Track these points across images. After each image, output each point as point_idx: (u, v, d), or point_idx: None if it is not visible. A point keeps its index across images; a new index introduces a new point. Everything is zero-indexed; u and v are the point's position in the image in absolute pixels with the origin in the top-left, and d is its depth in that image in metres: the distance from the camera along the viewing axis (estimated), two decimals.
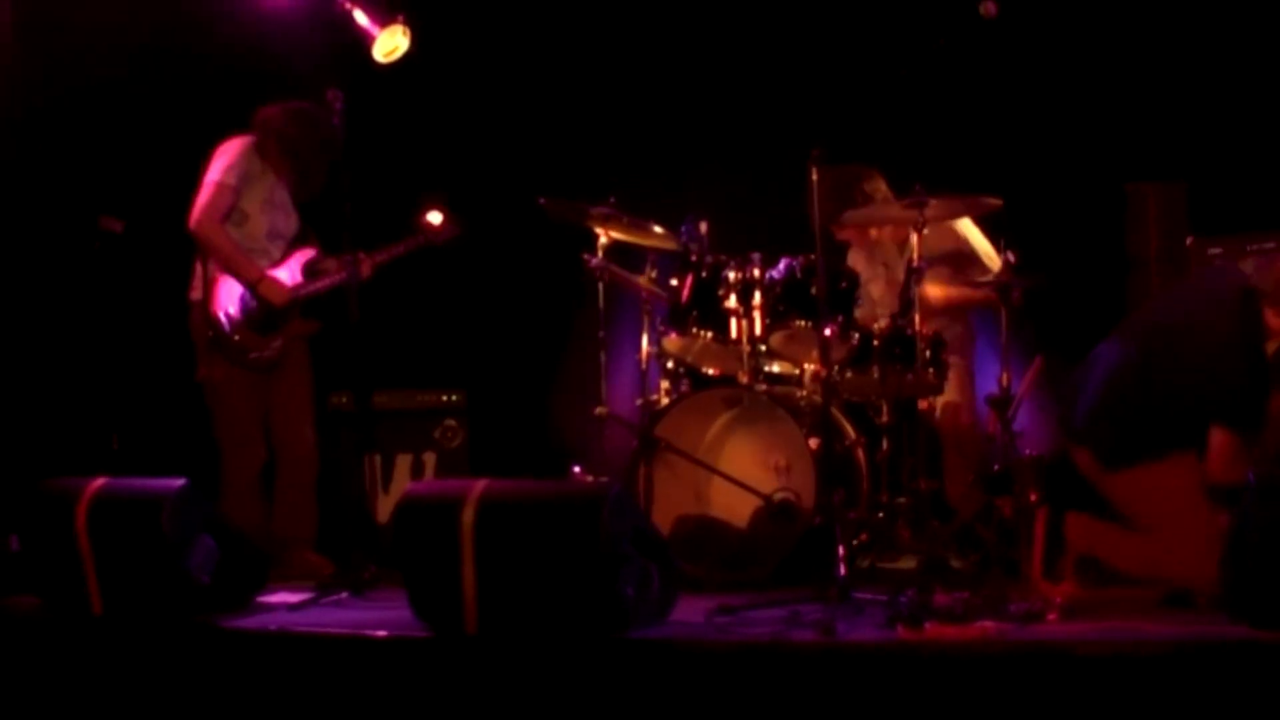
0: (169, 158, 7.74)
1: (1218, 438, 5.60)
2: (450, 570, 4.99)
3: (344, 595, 6.13)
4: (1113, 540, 5.78)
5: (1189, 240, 7.27)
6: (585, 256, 6.99)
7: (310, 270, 7.22)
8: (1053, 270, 6.93)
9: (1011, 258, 6.77)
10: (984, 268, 7.36)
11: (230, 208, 7.02)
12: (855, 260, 7.65)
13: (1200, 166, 7.70)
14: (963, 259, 7.37)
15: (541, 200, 6.97)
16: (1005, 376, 6.76)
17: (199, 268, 7.05)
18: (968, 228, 7.41)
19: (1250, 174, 7.65)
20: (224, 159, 7.06)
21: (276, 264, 7.14)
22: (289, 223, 7.24)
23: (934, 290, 7.23)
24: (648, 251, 7.25)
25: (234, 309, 7.01)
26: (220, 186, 7.01)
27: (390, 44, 7.29)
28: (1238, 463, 5.54)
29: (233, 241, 7.01)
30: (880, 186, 7.40)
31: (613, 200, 6.97)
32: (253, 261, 7.05)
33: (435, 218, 7.32)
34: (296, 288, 7.13)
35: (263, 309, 7.04)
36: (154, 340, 7.73)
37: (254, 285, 7.01)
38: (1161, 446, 5.67)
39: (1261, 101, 7.73)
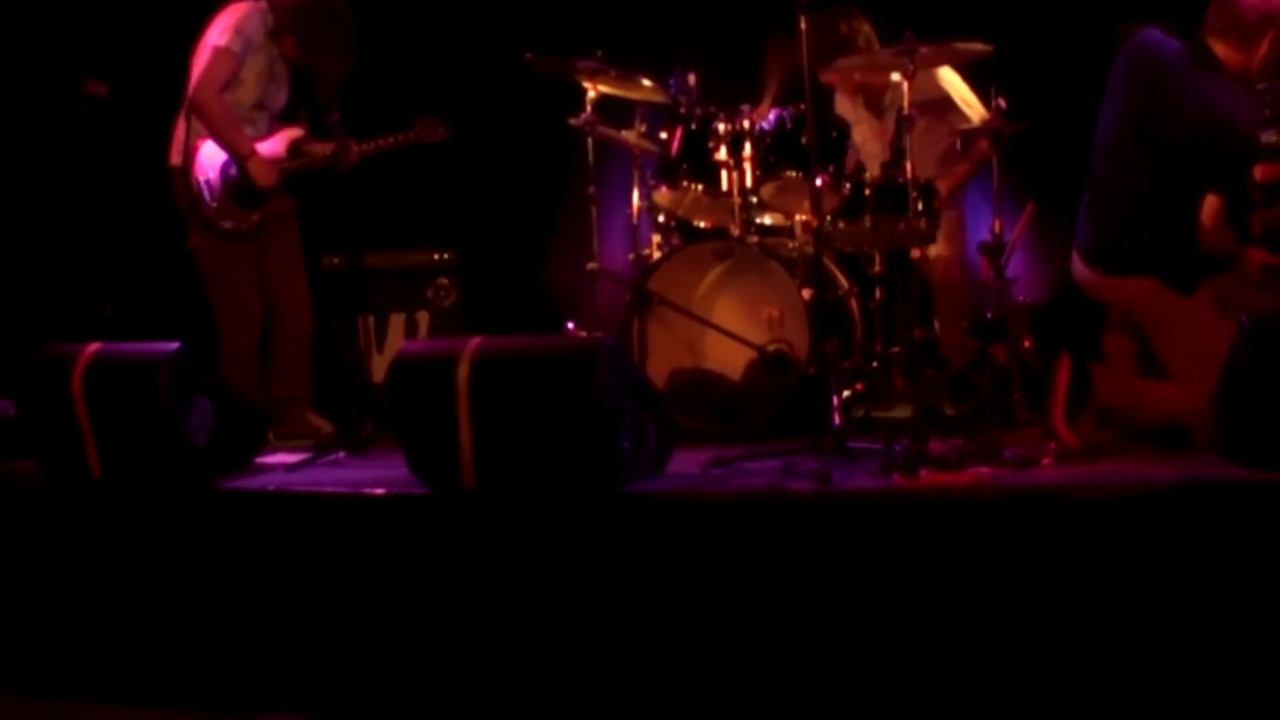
0: (153, 18, 7.65)
1: (1211, 203, 5.66)
2: (446, 427, 5.00)
3: (341, 455, 6.16)
4: (1138, 390, 5.79)
5: None
6: (570, 120, 6.95)
7: (295, 150, 7.14)
8: (1043, 116, 6.90)
9: (1002, 104, 6.75)
10: (965, 116, 7.32)
11: (232, 75, 6.94)
12: (840, 105, 7.60)
13: (1191, 8, 7.62)
14: (944, 106, 7.31)
15: (528, 55, 6.90)
16: (998, 224, 6.77)
17: (179, 132, 6.98)
18: (949, 76, 7.36)
19: None
20: (228, 22, 6.93)
21: (262, 137, 7.07)
22: (279, 98, 7.16)
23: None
24: (636, 106, 7.21)
25: (213, 177, 6.96)
26: (225, 52, 6.90)
27: None
28: (1226, 225, 5.65)
29: (230, 112, 6.93)
30: (863, 28, 7.32)
31: (599, 54, 6.90)
32: (244, 134, 6.98)
33: (430, 121, 7.26)
34: (283, 168, 7.06)
35: (241, 180, 6.98)
36: (145, 206, 7.67)
37: (244, 160, 6.95)
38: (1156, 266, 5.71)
39: None
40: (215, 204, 6.96)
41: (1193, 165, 5.71)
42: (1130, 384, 5.87)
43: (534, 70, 6.95)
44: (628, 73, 6.99)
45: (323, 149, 6.99)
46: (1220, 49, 5.80)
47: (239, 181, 6.99)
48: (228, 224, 7.00)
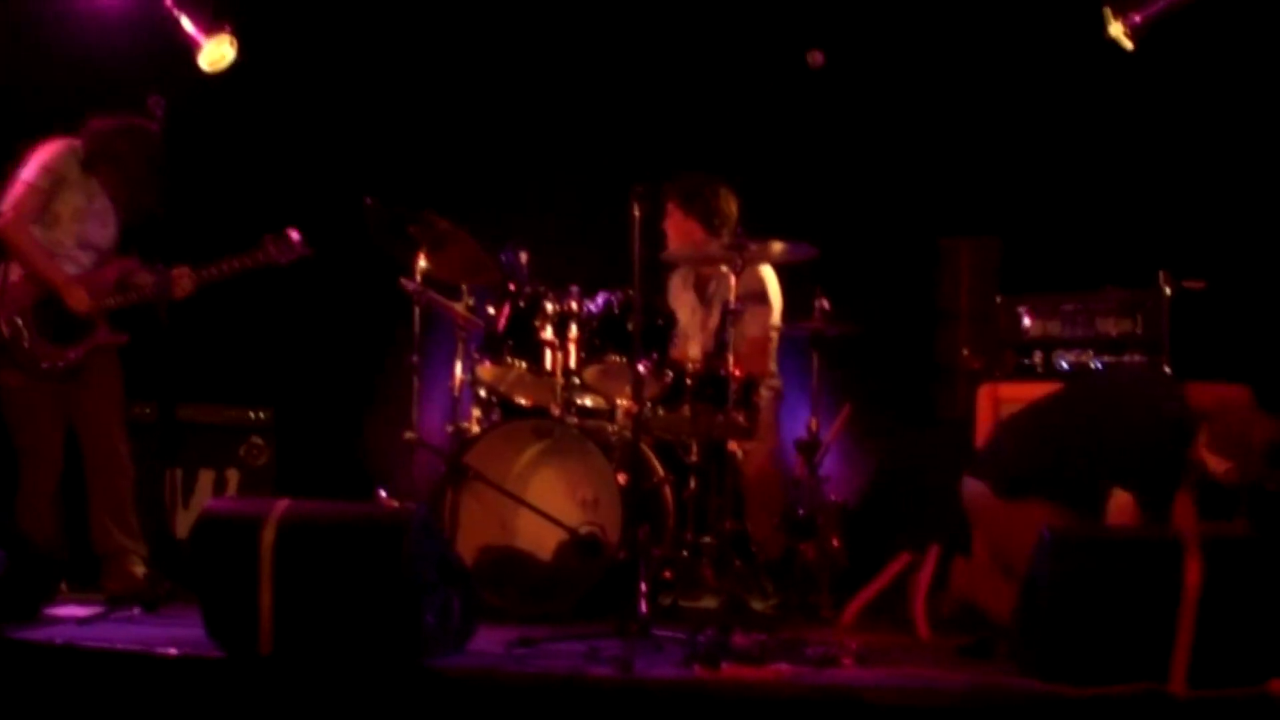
0: None
1: (1124, 499, 5.83)
2: (247, 590, 4.92)
3: (136, 611, 6.02)
4: (992, 586, 5.88)
5: (998, 297, 7.43)
6: (403, 281, 6.94)
7: (122, 282, 7.05)
8: (864, 319, 7.05)
9: (825, 304, 6.88)
10: (774, 314, 7.45)
11: (40, 210, 6.85)
12: (674, 283, 7.68)
13: (1012, 224, 7.88)
14: (755, 300, 7.41)
15: (368, 200, 6.87)
16: (814, 422, 6.87)
17: None
18: (768, 274, 7.50)
19: (1059, 234, 7.84)
20: (39, 160, 6.87)
21: (85, 271, 6.97)
22: (104, 235, 7.05)
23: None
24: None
25: (25, 317, 6.83)
26: (31, 188, 6.83)
27: (217, 54, 7.17)
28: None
29: (38, 244, 6.83)
30: (733, 207, 7.48)
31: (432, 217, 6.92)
32: (58, 265, 6.88)
33: (286, 237, 7.15)
34: (103, 298, 6.95)
35: (57, 316, 6.86)
36: None
37: (59, 289, 6.83)
38: (1051, 493, 5.83)
39: (1073, 165, 7.93)
40: (27, 344, 6.82)
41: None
42: (985, 580, 5.97)
43: (371, 219, 6.90)
44: (461, 230, 6.97)
45: (149, 280, 6.90)
46: (1203, 453, 5.95)
47: (52, 317, 6.85)
48: (44, 364, 6.85)
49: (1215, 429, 5.85)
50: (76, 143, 6.93)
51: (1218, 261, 7.29)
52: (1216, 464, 5.82)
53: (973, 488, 6.17)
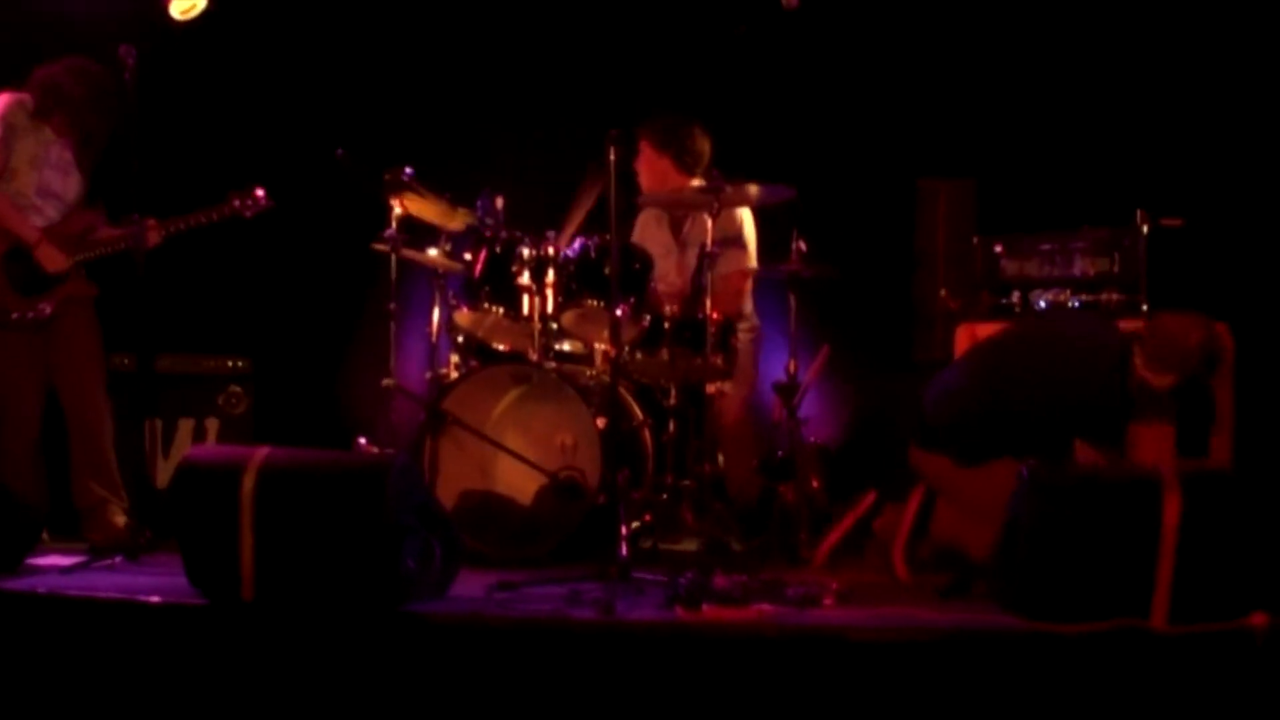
0: None
1: (1084, 453, 5.87)
2: (228, 537, 4.93)
3: (118, 560, 6.03)
4: (972, 528, 5.90)
5: (975, 238, 7.42)
6: (375, 246, 6.93)
7: (91, 234, 7.01)
8: (841, 261, 7.05)
9: (802, 246, 6.88)
10: (749, 256, 7.44)
11: (1, 163, 6.81)
12: (644, 230, 7.65)
13: (989, 165, 7.87)
14: (731, 244, 7.40)
15: (339, 152, 6.85)
16: (792, 364, 6.87)
17: None
18: (745, 215, 7.48)
19: (1036, 174, 7.83)
20: None
21: (53, 224, 6.93)
22: (67, 184, 7.01)
23: None
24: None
25: None
26: None
27: (188, 2, 7.13)
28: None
29: (6, 199, 6.80)
30: (707, 146, 7.45)
31: (409, 171, 6.90)
32: (28, 220, 6.84)
33: (250, 191, 7.13)
34: (72, 247, 6.92)
35: (26, 268, 6.83)
36: None
37: (32, 247, 6.81)
38: (1017, 451, 5.86)
39: (1049, 104, 7.92)
40: None
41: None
42: (964, 522, 5.98)
43: (343, 170, 6.89)
44: (436, 192, 6.97)
45: (117, 233, 6.88)
46: (1144, 372, 5.98)
47: (20, 269, 6.82)
48: (14, 315, 6.82)
49: (1149, 347, 5.87)
50: (24, 95, 6.89)
51: (1195, 199, 7.30)
52: (1158, 380, 5.86)
53: (931, 463, 6.15)
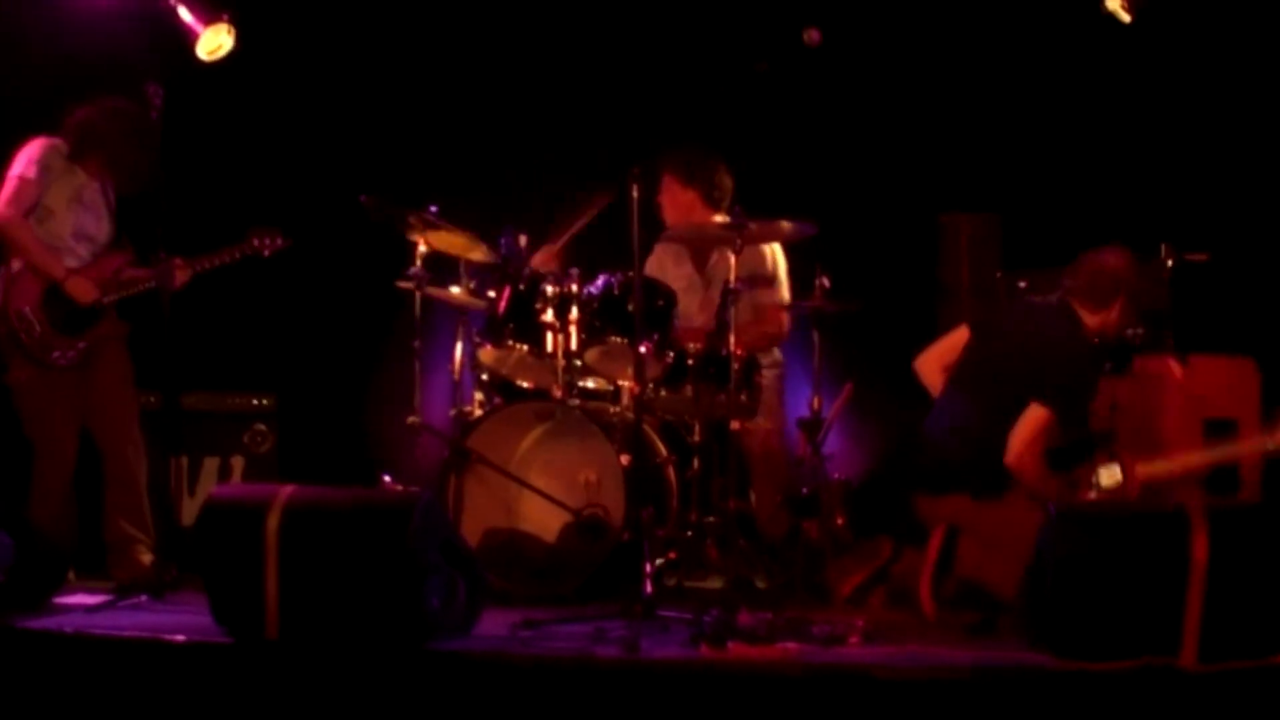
0: None
1: (1033, 412, 5.95)
2: (253, 575, 4.93)
3: (144, 598, 6.03)
4: (998, 564, 5.89)
5: (998, 273, 7.41)
6: (400, 283, 6.95)
7: (121, 275, 7.04)
8: (866, 297, 7.04)
9: (825, 282, 6.87)
10: (780, 293, 7.43)
11: (34, 202, 6.84)
12: (660, 265, 7.64)
13: (1012, 200, 7.86)
14: (763, 279, 7.40)
15: (363, 198, 6.89)
16: (816, 400, 6.86)
17: (1, 270, 6.87)
18: (777, 251, 7.47)
19: (1058, 209, 7.82)
20: (26, 154, 6.88)
21: (85, 265, 6.96)
22: (100, 226, 7.05)
23: None
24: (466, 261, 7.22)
25: (32, 307, 6.83)
26: (22, 180, 6.83)
27: (214, 42, 7.18)
28: (1037, 442, 5.97)
29: (36, 237, 6.84)
30: (729, 182, 7.45)
31: (434, 209, 6.91)
32: (58, 258, 6.88)
33: (270, 229, 7.18)
34: (104, 287, 6.96)
35: (64, 308, 6.87)
36: None
37: (61, 282, 6.84)
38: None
39: (1072, 139, 7.91)
40: (36, 335, 6.82)
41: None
42: (990, 559, 5.96)
43: (369, 215, 6.93)
44: (460, 227, 6.99)
45: (144, 273, 6.91)
46: (1080, 310, 6.07)
47: (59, 309, 6.86)
48: (54, 354, 6.86)
49: (1081, 284, 6.22)
50: (58, 139, 6.93)
51: (1220, 234, 7.28)
52: (1103, 320, 6.17)
53: (947, 506, 6.15)
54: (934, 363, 6.54)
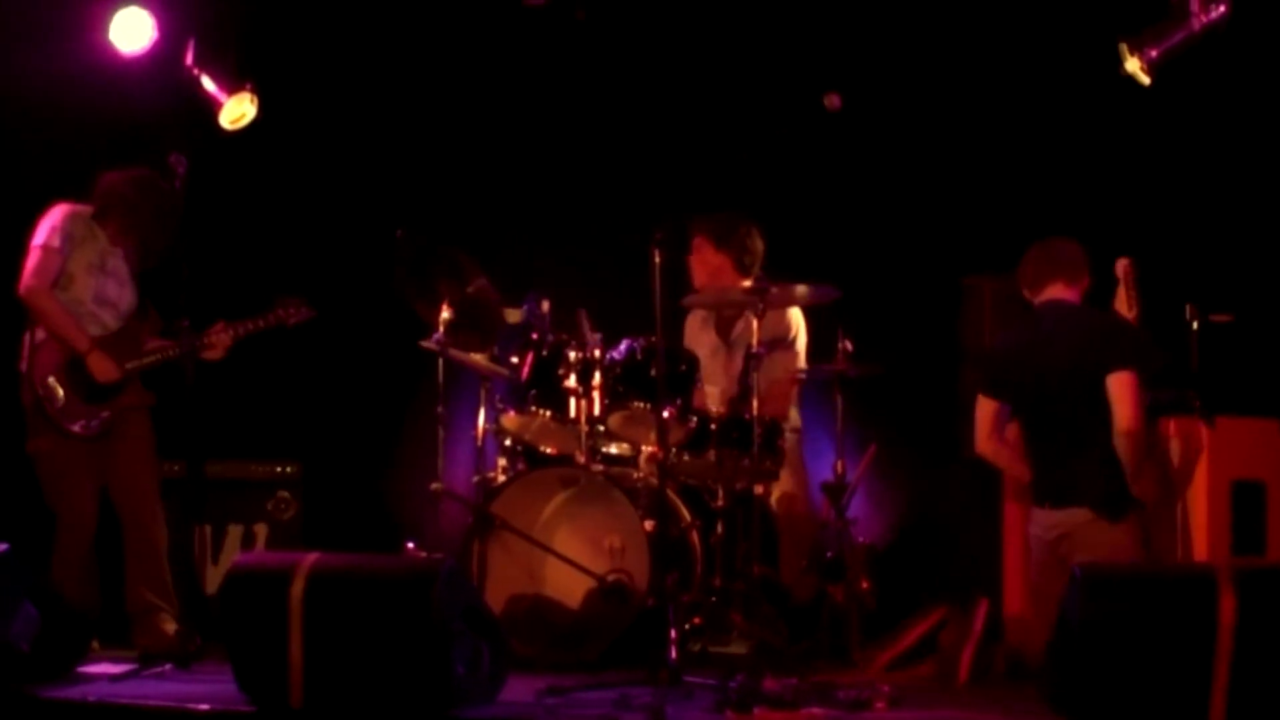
0: (5, 223, 7.59)
1: (1125, 378, 6.21)
2: (277, 643, 4.92)
3: (168, 667, 6.03)
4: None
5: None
6: (423, 344, 6.97)
7: (145, 344, 7.06)
8: (888, 360, 7.04)
9: (848, 346, 6.87)
10: (799, 359, 7.42)
11: (58, 272, 6.88)
12: (689, 333, 7.65)
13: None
14: (781, 345, 7.39)
15: (399, 232, 6.93)
16: (840, 464, 6.84)
17: (27, 338, 6.91)
18: (796, 316, 7.48)
19: None
20: (48, 223, 6.91)
21: (109, 332, 6.99)
22: (121, 293, 7.08)
23: None
24: None
25: (56, 378, 6.85)
26: (46, 250, 6.86)
27: (237, 111, 7.25)
28: (1141, 406, 6.24)
29: (63, 308, 6.86)
30: (762, 247, 7.46)
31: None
32: (83, 331, 6.90)
33: (296, 299, 7.23)
34: (128, 361, 6.97)
35: (87, 377, 6.88)
36: None
37: (83, 355, 6.86)
38: None
39: (1093, 200, 7.91)
40: (61, 406, 6.85)
41: None
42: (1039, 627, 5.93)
43: (401, 249, 6.95)
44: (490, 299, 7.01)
45: (170, 342, 6.93)
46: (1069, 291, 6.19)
47: (83, 380, 6.88)
48: (76, 426, 6.87)
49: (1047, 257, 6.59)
50: (82, 206, 6.97)
51: (1246, 294, 7.27)
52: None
53: (1065, 517, 6.17)
54: (987, 441, 6.62)
